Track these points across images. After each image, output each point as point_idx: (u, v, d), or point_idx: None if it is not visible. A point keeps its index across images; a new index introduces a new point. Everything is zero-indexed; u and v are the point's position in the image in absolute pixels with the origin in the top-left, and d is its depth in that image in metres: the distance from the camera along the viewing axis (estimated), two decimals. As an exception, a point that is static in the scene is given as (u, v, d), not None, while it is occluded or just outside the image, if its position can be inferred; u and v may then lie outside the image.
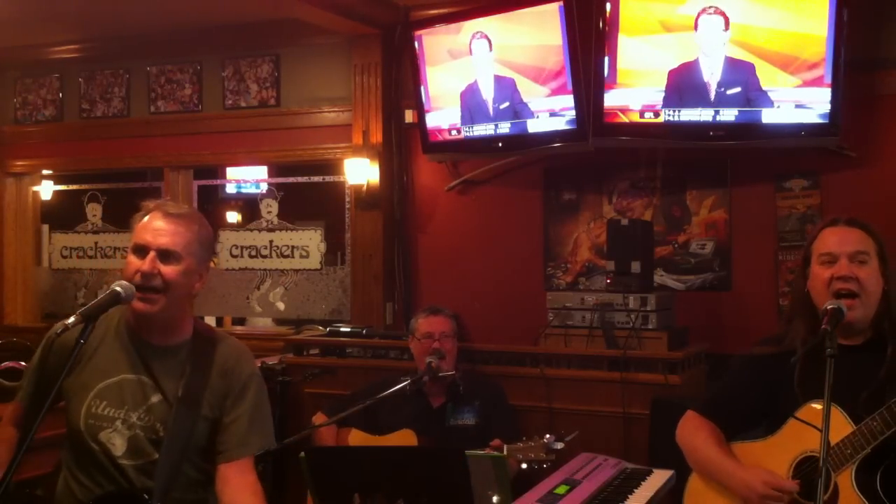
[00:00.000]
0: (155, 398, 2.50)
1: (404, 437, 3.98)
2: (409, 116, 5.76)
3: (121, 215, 6.81)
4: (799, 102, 4.61)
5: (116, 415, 2.47)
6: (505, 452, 3.66)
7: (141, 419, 2.49)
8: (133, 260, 2.47)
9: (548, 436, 3.61)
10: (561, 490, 3.12)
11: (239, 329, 7.01)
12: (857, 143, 4.82)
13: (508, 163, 5.57)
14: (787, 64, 4.59)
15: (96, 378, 2.50)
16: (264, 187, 6.47)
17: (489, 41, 5.14)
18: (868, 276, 2.60)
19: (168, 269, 2.47)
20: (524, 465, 3.63)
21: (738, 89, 4.66)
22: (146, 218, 2.52)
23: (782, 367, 2.60)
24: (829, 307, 2.55)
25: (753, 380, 2.77)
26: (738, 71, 4.65)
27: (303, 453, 3.06)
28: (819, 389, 2.24)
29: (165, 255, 2.47)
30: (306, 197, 6.80)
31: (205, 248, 2.59)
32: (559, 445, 3.57)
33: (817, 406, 2.49)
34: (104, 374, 2.50)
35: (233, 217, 8.91)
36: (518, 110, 5.11)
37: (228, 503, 2.47)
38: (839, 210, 4.89)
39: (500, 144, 5.25)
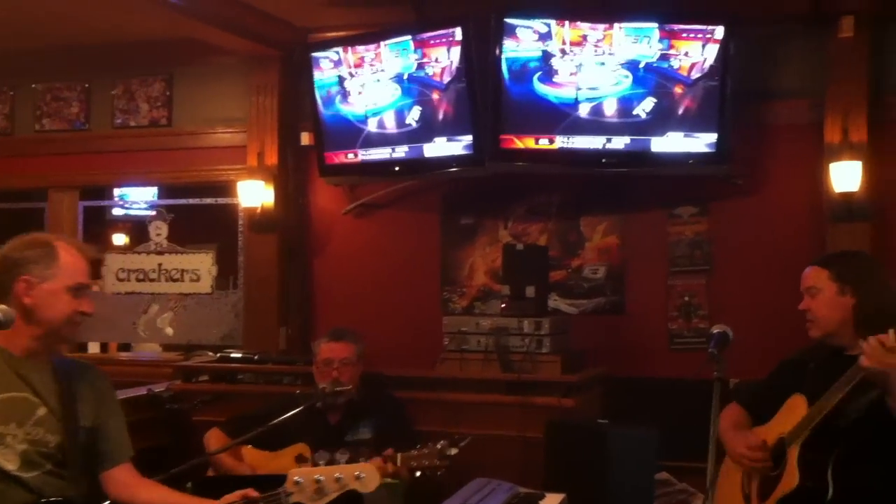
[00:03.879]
0: (41, 412, 2.52)
1: (298, 451, 3.92)
2: (306, 139, 5.70)
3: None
4: (687, 132, 4.75)
5: (5, 431, 2.47)
6: (399, 461, 3.64)
7: (29, 434, 2.49)
8: (72, 301, 2.58)
9: (441, 442, 3.60)
10: (456, 516, 3.11)
11: (124, 355, 6.78)
12: (744, 171, 5.00)
13: (406, 187, 5.56)
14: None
15: None
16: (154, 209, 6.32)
17: (388, 65, 5.12)
18: (817, 305, 2.93)
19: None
20: (418, 473, 3.60)
21: (628, 119, 4.77)
22: (73, 255, 2.60)
23: (802, 369, 2.98)
24: (713, 331, 2.75)
25: (782, 377, 3.07)
26: (629, 101, 4.76)
27: (189, 484, 2.97)
28: (814, 389, 2.78)
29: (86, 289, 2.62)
30: (197, 219, 6.64)
31: None
32: (453, 451, 3.55)
33: (800, 397, 2.88)
34: None
35: (120, 239, 8.64)
36: (415, 135, 5.10)
37: (148, 500, 2.62)
38: (726, 236, 5.08)
39: (398, 168, 5.24)
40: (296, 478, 2.59)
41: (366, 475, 2.60)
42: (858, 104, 4.76)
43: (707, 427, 2.73)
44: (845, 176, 4.67)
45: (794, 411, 2.86)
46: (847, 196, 4.68)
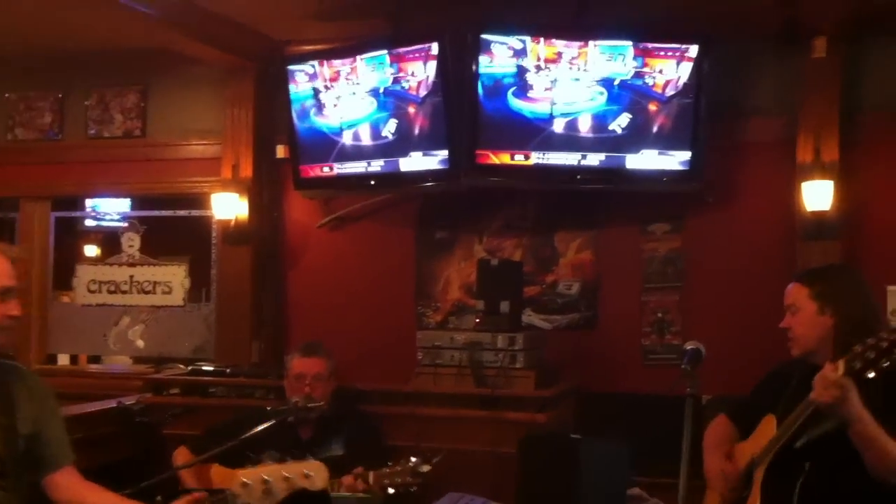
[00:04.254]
0: None
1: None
2: (281, 151, 5.68)
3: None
4: (662, 150, 4.78)
5: None
6: (371, 479, 3.61)
7: None
8: None
9: (413, 459, 3.57)
10: (428, 531, 3.09)
11: (94, 368, 6.71)
12: (718, 188, 5.03)
13: (381, 200, 5.56)
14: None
15: None
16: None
17: (364, 79, 5.12)
18: (797, 323, 2.87)
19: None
20: (391, 491, 3.57)
21: (603, 135, 4.80)
22: None
23: (786, 382, 2.90)
24: (686, 348, 2.74)
25: (766, 391, 3.01)
26: (604, 117, 4.79)
27: (159, 497, 2.93)
28: (786, 408, 2.71)
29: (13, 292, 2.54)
30: (170, 231, 6.60)
31: None
32: (426, 468, 3.53)
33: (772, 417, 2.84)
34: None
35: (92, 251, 8.56)
36: (391, 148, 5.10)
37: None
38: (699, 252, 5.12)
39: (373, 182, 5.23)
40: (243, 479, 2.57)
41: (314, 473, 2.59)
42: (830, 123, 4.81)
43: (680, 443, 2.74)
44: (817, 195, 4.72)
45: (766, 432, 2.85)
46: (818, 215, 4.72)
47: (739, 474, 2.91)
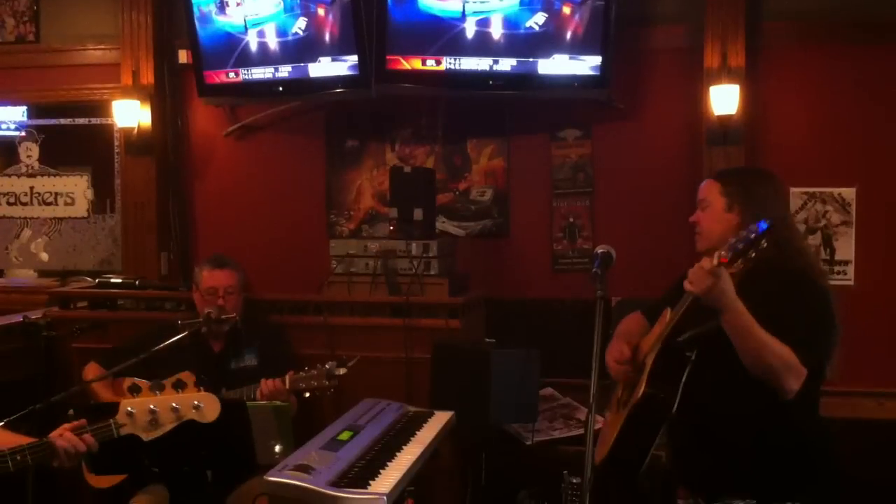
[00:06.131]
0: None
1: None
2: (183, 56, 5.48)
3: None
4: (573, 55, 4.76)
5: None
6: (287, 384, 3.63)
7: None
8: None
9: (329, 363, 3.61)
10: (344, 436, 3.13)
11: (-3, 281, 6.53)
12: (627, 95, 5.06)
13: (289, 108, 5.43)
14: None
15: None
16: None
17: (268, -20, 4.95)
18: (704, 218, 2.95)
19: None
20: (307, 395, 3.61)
21: (516, 38, 4.75)
22: None
23: None
24: (597, 251, 2.79)
25: (675, 288, 3.01)
26: (517, 18, 4.73)
27: (71, 411, 2.89)
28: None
29: None
30: (70, 140, 6.36)
31: None
32: (341, 371, 3.58)
33: (668, 309, 2.91)
34: None
35: (-13, 162, 8.24)
36: (299, 53, 4.97)
37: None
38: (608, 159, 5.17)
39: (281, 89, 5.10)
40: (128, 408, 2.49)
41: (204, 404, 2.53)
42: (736, 30, 4.86)
43: (591, 345, 2.80)
44: (723, 99, 4.79)
45: (663, 324, 2.95)
46: (724, 119, 4.80)
47: (632, 358, 3.01)
